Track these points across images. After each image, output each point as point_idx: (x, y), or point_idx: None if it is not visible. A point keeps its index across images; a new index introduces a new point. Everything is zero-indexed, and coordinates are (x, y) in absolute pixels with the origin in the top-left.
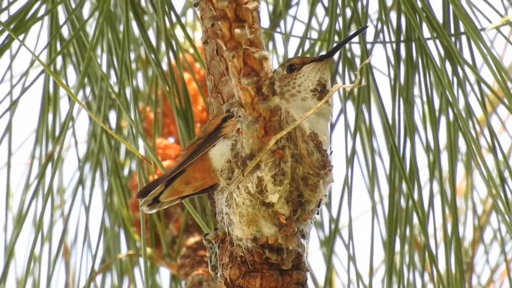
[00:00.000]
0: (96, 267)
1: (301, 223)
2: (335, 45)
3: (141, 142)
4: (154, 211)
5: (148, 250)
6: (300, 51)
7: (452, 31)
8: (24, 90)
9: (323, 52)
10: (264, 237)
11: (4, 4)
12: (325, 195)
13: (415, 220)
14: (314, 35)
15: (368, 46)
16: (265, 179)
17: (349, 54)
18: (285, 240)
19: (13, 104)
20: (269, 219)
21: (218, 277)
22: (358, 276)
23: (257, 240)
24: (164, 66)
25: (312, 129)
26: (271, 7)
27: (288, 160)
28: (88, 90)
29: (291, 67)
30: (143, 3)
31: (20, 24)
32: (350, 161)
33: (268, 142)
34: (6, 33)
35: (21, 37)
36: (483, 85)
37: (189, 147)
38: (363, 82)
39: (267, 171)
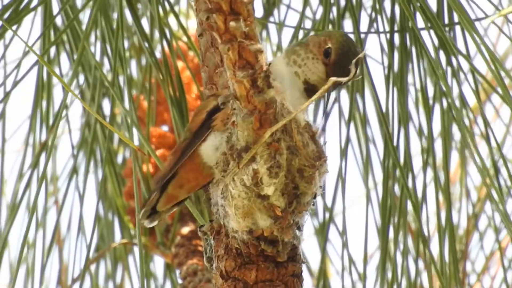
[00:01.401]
0: (91, 255)
1: (296, 215)
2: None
3: (135, 131)
4: (155, 223)
5: (143, 238)
6: (294, 41)
7: (446, 21)
8: (17, 82)
9: None
10: (259, 229)
11: None
12: (321, 187)
13: (410, 207)
14: (308, 24)
15: (362, 35)
16: (261, 171)
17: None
18: (280, 232)
19: (7, 95)
20: (265, 211)
21: (214, 268)
22: (352, 263)
23: (252, 232)
24: (158, 55)
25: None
26: None
27: (283, 152)
28: (82, 78)
29: (328, 53)
30: None
31: (14, 14)
32: (344, 149)
33: (263, 134)
34: None
35: (14, 27)
36: (476, 75)
37: (176, 150)
38: (358, 76)
39: (263, 163)
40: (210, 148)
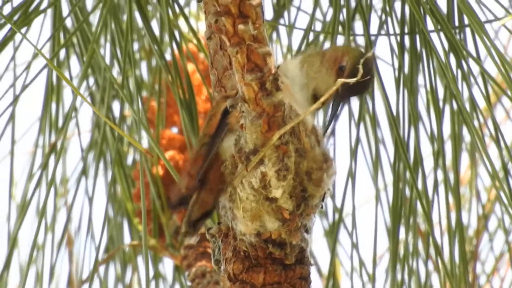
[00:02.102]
0: (100, 257)
1: (304, 217)
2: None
3: (144, 133)
4: (195, 237)
5: (152, 240)
6: (305, 42)
7: (456, 24)
8: (26, 85)
9: (328, 44)
10: (267, 232)
11: None
12: (329, 189)
13: (419, 208)
14: (318, 26)
15: (372, 38)
16: (269, 174)
17: (353, 45)
18: (288, 235)
19: (17, 97)
20: (273, 214)
21: (221, 271)
22: (362, 265)
23: (260, 235)
24: (168, 57)
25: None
26: None
27: (291, 155)
28: (91, 80)
29: (343, 69)
30: None
31: (23, 16)
32: (354, 150)
33: (272, 137)
34: (9, 26)
35: (24, 29)
36: (487, 77)
37: (197, 158)
38: (367, 78)
39: (271, 166)
40: (228, 147)
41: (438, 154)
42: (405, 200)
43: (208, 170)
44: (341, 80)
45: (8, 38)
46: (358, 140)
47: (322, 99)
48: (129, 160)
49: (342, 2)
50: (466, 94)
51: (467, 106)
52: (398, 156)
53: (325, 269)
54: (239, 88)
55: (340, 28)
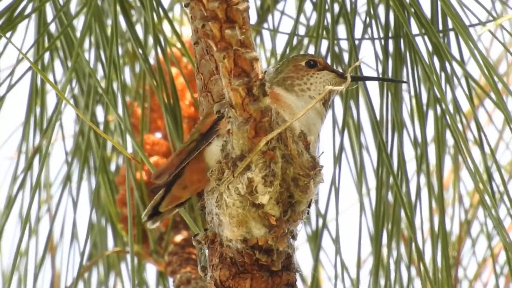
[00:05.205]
0: (83, 263)
1: (291, 224)
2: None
3: (128, 138)
4: (157, 224)
5: (136, 246)
6: (288, 47)
7: (440, 27)
8: (11, 86)
9: (312, 48)
10: (254, 238)
11: None
12: (317, 195)
13: (402, 214)
14: (302, 30)
15: (356, 42)
16: (256, 180)
17: (337, 49)
18: (275, 241)
19: (2, 98)
20: (259, 220)
21: (208, 278)
22: (345, 269)
23: (247, 241)
24: (152, 61)
25: (310, 128)
26: (258, 2)
27: (278, 161)
28: (75, 84)
29: (313, 63)
30: None
31: (8, 21)
32: (338, 157)
33: (259, 143)
34: None
35: (9, 33)
36: (470, 80)
37: (182, 151)
38: (354, 85)
39: (258, 172)
40: (215, 152)
41: (422, 158)
42: (388, 206)
43: (188, 168)
44: (329, 88)
45: None
46: (342, 145)
47: (310, 106)
48: (113, 166)
49: (326, 6)
50: (449, 97)
51: (451, 108)
52: (382, 161)
53: (307, 274)
54: (226, 93)
55: (324, 33)
